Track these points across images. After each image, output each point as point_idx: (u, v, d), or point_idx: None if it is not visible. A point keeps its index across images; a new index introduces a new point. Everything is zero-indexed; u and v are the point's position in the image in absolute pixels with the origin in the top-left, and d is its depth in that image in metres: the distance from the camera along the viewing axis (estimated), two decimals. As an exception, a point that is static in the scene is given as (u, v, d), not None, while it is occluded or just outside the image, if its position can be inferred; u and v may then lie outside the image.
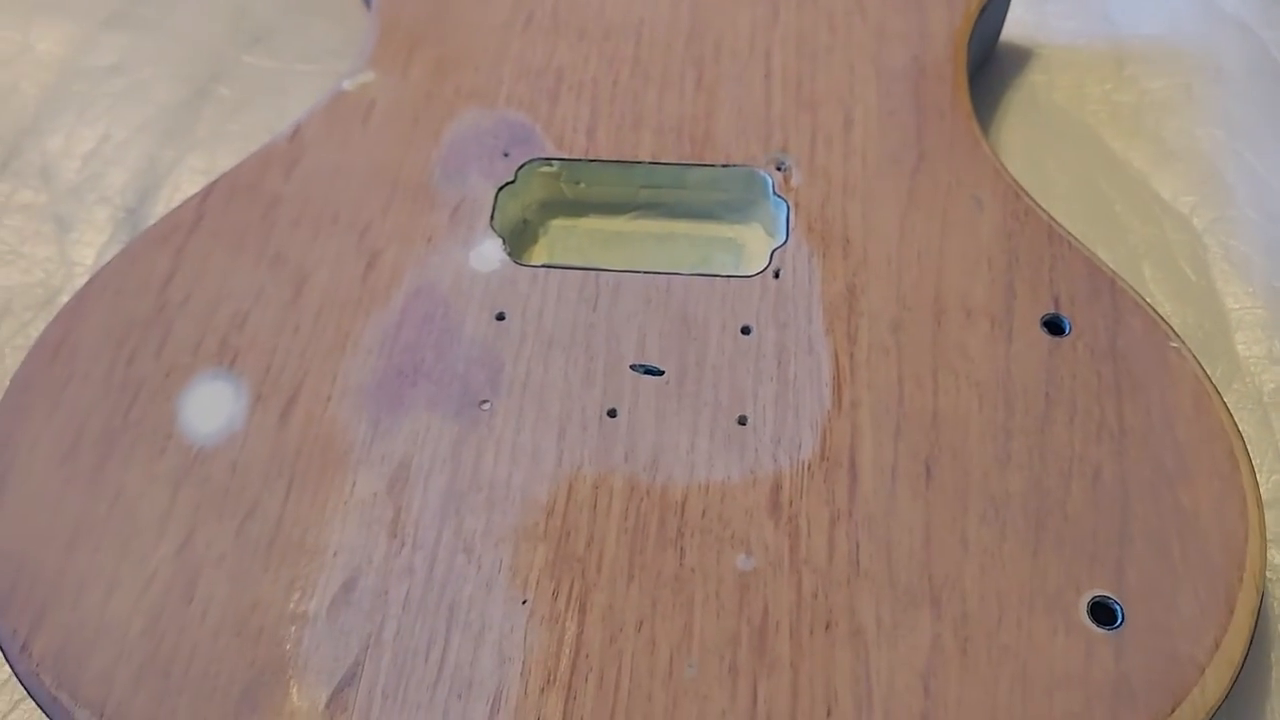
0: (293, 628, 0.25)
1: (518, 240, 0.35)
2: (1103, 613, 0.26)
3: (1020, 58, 0.44)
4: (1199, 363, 0.30)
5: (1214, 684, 0.25)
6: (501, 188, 0.34)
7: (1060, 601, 0.26)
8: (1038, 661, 0.25)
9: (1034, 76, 0.44)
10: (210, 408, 0.28)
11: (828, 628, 0.26)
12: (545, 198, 0.35)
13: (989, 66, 0.44)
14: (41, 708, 0.25)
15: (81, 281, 0.39)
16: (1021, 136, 0.42)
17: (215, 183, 0.33)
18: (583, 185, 0.35)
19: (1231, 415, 0.29)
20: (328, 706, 0.24)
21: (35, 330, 0.38)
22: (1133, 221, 0.39)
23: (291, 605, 0.26)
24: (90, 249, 0.40)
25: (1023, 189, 0.34)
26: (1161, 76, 0.43)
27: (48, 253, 0.40)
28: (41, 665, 0.25)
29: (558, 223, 0.36)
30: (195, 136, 0.43)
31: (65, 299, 0.39)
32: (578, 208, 0.36)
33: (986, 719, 0.25)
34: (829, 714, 0.25)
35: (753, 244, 0.35)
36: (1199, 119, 0.42)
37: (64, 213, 0.41)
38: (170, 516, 0.27)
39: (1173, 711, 0.25)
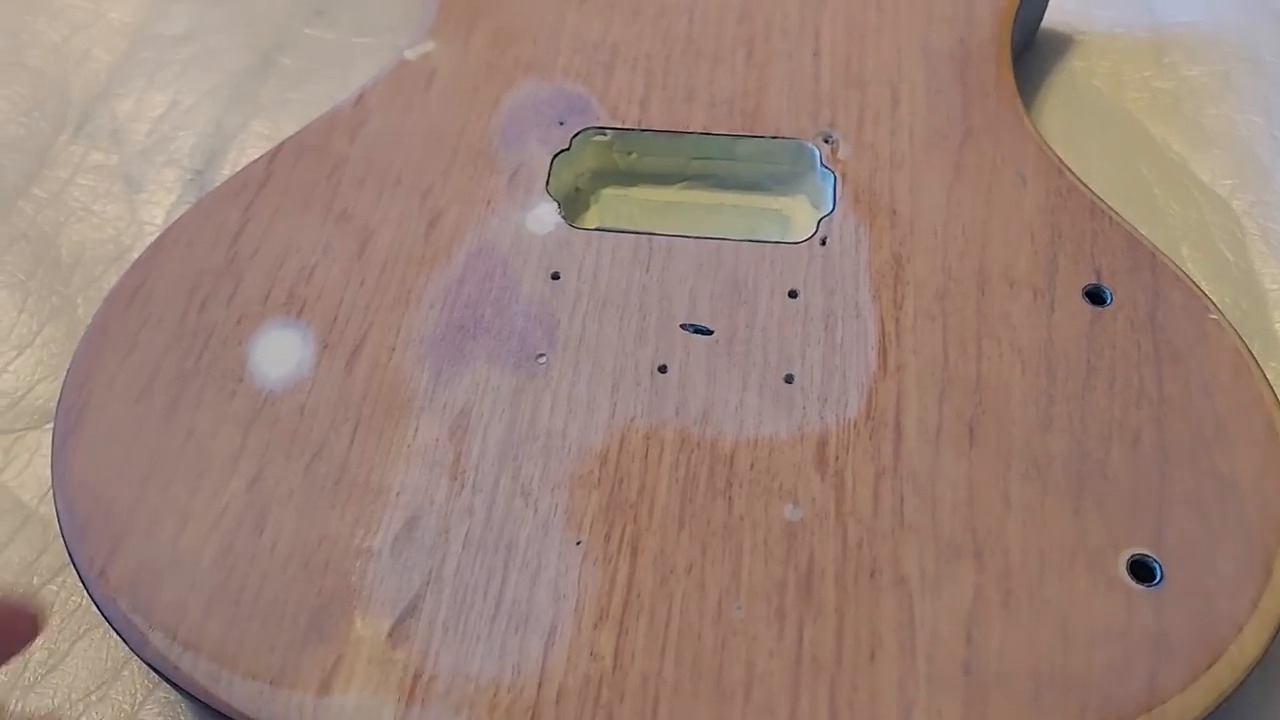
0: (358, 561, 0.26)
1: (571, 207, 0.36)
2: (1142, 570, 0.27)
3: (1061, 44, 0.45)
4: (1238, 334, 0.31)
5: (1252, 641, 0.26)
6: (557, 155, 0.35)
7: (1100, 558, 0.27)
8: (1078, 615, 0.26)
9: (1074, 63, 0.44)
10: (279, 354, 0.30)
11: (872, 575, 0.27)
12: (598, 166, 0.36)
13: (1030, 53, 0.44)
14: (118, 632, 0.26)
15: (150, 239, 0.40)
16: (1061, 121, 0.42)
17: (283, 144, 0.34)
18: (634, 155, 0.36)
19: (1271, 386, 0.30)
20: (390, 635, 0.25)
21: (106, 283, 0.39)
22: (1171, 204, 0.40)
23: (357, 540, 0.27)
24: (159, 208, 0.41)
25: (1066, 165, 0.35)
26: (1200, 64, 0.44)
27: (118, 211, 0.41)
28: (118, 591, 0.26)
29: (609, 191, 0.37)
30: (259, 103, 0.44)
31: (134, 255, 0.40)
32: (629, 177, 0.37)
33: (1028, 668, 0.25)
34: (873, 657, 0.25)
35: (799, 216, 0.36)
36: (1238, 106, 0.42)
37: (134, 173, 0.43)
38: (241, 455, 0.28)
39: (1210, 666, 0.25)
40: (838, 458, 0.28)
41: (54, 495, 0.27)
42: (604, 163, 0.37)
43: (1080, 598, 0.26)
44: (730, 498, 0.28)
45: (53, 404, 0.37)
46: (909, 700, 0.25)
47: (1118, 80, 0.44)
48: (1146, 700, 0.25)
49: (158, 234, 0.32)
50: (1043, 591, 0.26)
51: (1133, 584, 0.27)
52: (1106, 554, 0.27)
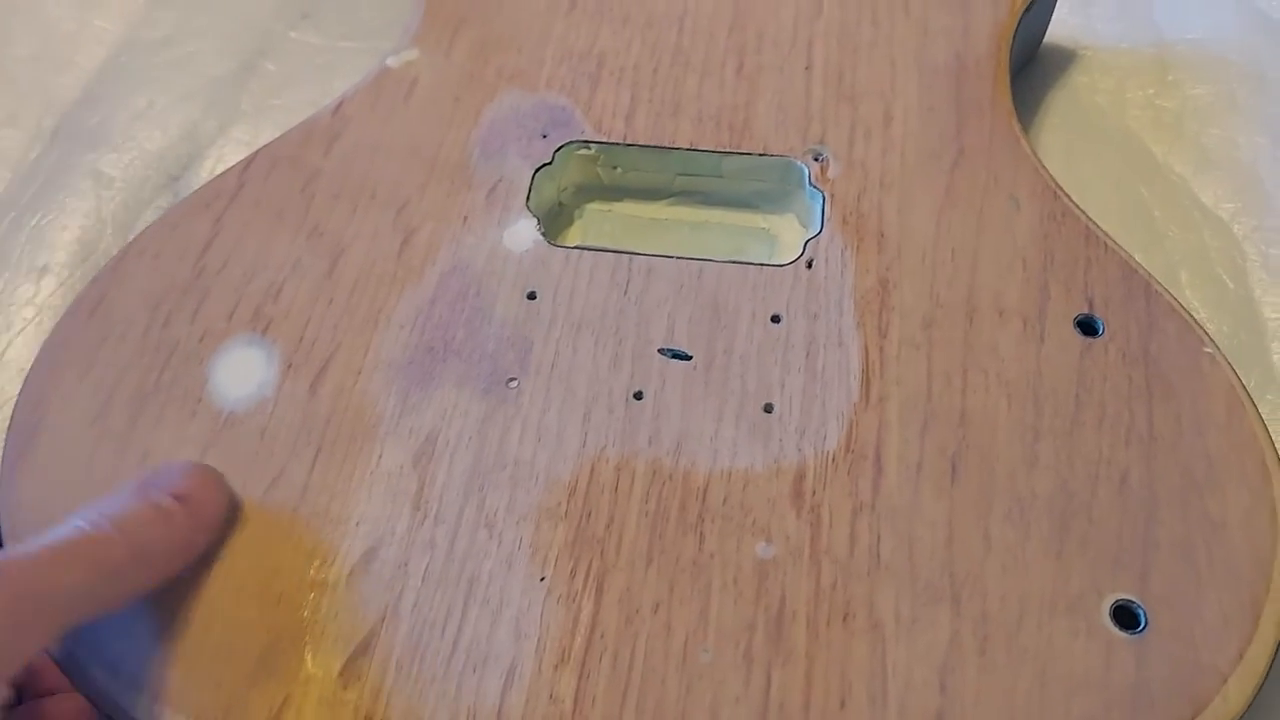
0: (311, 594, 0.26)
1: (553, 223, 0.35)
2: (1125, 616, 0.26)
3: (1063, 59, 0.44)
4: (1234, 370, 0.30)
5: (1236, 694, 0.25)
6: (539, 169, 0.34)
7: (1083, 604, 0.26)
8: (1057, 664, 0.25)
9: (1076, 78, 0.43)
10: (242, 374, 0.29)
11: (845, 619, 0.26)
12: (581, 181, 0.36)
13: (1031, 67, 0.43)
14: (61, 668, 0.25)
15: (120, 243, 0.40)
16: (1062, 138, 0.41)
17: (256, 154, 0.34)
18: (619, 170, 0.36)
19: (1265, 425, 0.29)
20: (341, 674, 0.25)
21: (72, 288, 0.38)
22: (1171, 227, 0.39)
23: (312, 572, 0.26)
24: (131, 213, 0.40)
25: (1061, 189, 0.34)
26: (1205, 83, 0.43)
27: (87, 211, 0.40)
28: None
29: (593, 207, 0.36)
30: (240, 109, 0.44)
31: (102, 260, 0.39)
32: (613, 192, 0.36)
33: (1004, 719, 0.25)
34: (843, 706, 0.25)
35: (787, 235, 0.35)
36: (1242, 127, 0.41)
37: (107, 177, 0.42)
38: (197, 479, 0.27)
39: (1192, 720, 0.25)
40: (814, 493, 0.28)
41: (0, 520, 0.27)
42: (588, 177, 0.36)
43: (1060, 646, 0.25)
44: (701, 533, 0.27)
45: None
46: (879, 752, 0.24)
47: (1120, 98, 0.42)
48: (1125, 756, 0.24)
49: (127, 238, 0.32)
50: (1021, 639, 0.26)
51: (1115, 631, 0.26)
52: (1089, 600, 0.26)
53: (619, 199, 0.36)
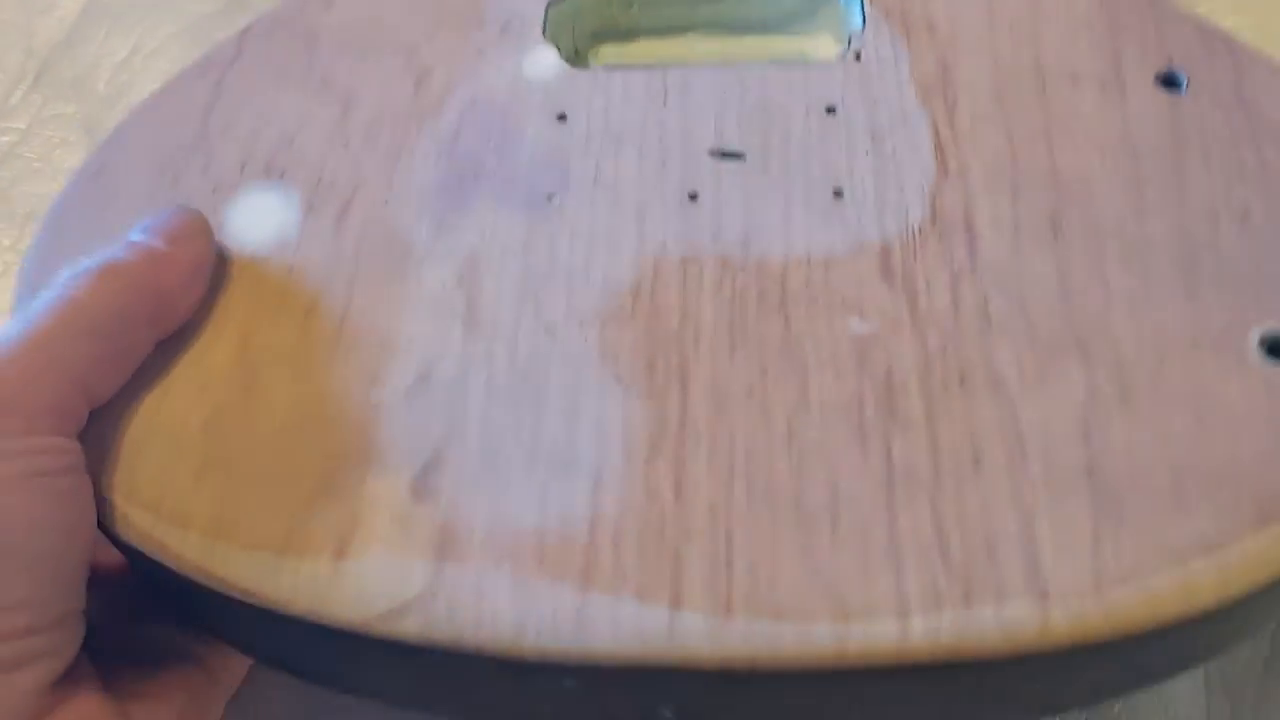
0: (368, 415, 0.23)
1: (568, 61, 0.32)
2: (1278, 350, 0.23)
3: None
4: (1341, 97, 0.27)
5: None
6: (551, 4, 0.31)
7: (1228, 340, 0.23)
8: (1212, 403, 0.22)
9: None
10: (260, 218, 0.26)
11: (962, 381, 0.23)
12: (596, 26, 0.33)
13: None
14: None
15: None
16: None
17: (252, 23, 0.31)
18: (635, 7, 0.33)
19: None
20: (412, 490, 0.22)
21: None
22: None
23: (364, 394, 0.23)
24: None
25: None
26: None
27: (75, 161, 0.38)
28: (91, 468, 0.22)
29: (608, 49, 0.33)
30: (223, 43, 0.42)
31: None
32: (628, 33, 0.33)
33: (1164, 465, 0.21)
34: (977, 466, 0.22)
35: (821, 52, 0.32)
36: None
37: (93, 123, 0.40)
38: (226, 319, 0.24)
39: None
40: (905, 265, 0.25)
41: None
42: (602, 20, 0.33)
43: (1212, 384, 0.23)
44: (787, 316, 0.24)
45: None
46: (1028, 509, 0.21)
47: None
48: (1310, 483, 0.21)
49: None
50: (1166, 382, 0.23)
51: (1271, 365, 0.23)
52: (1234, 334, 0.23)
53: (634, 38, 0.33)
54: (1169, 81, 0.28)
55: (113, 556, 0.24)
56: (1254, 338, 0.23)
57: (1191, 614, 0.20)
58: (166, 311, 0.24)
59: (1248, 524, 0.21)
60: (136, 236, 0.24)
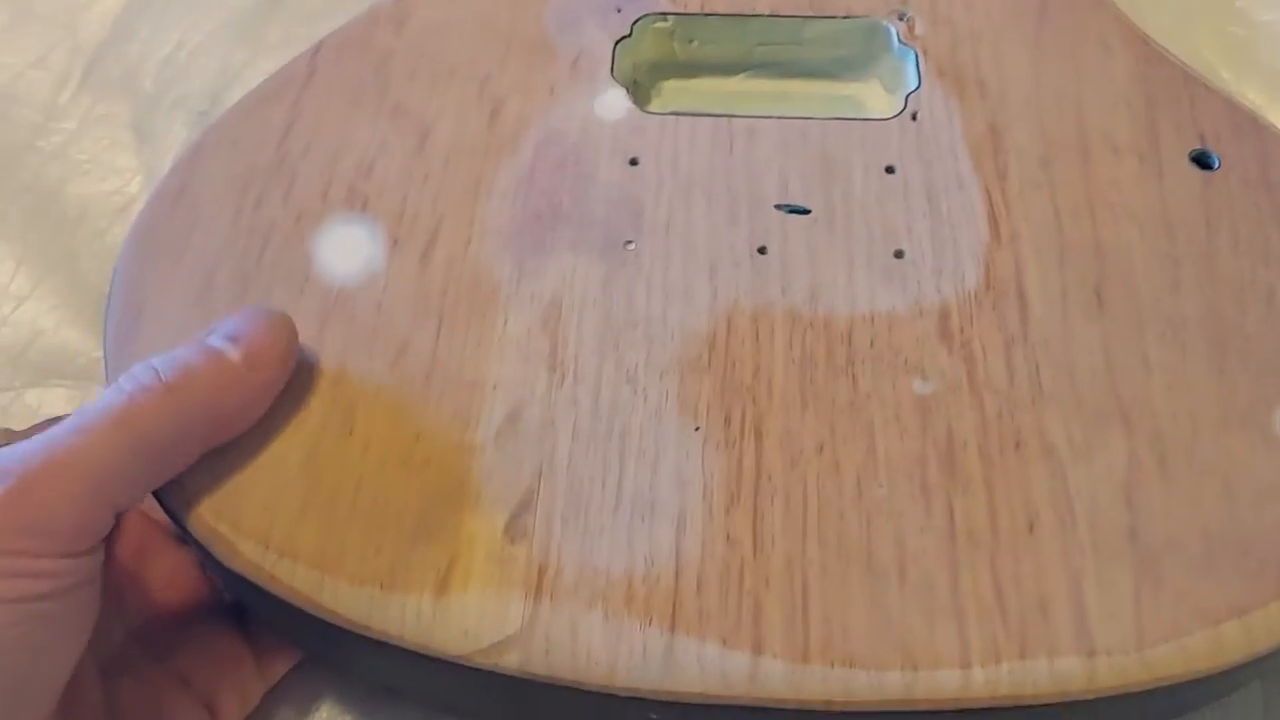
0: (460, 457, 0.24)
1: (634, 100, 0.33)
2: (1298, 429, 0.25)
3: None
4: (1361, 187, 0.29)
5: None
6: (619, 41, 0.32)
7: (1254, 416, 0.25)
8: (1241, 474, 0.24)
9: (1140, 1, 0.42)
10: (347, 250, 0.27)
11: (1018, 447, 0.25)
12: (656, 59, 0.34)
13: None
14: (199, 545, 0.23)
15: (149, 181, 0.37)
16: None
17: (322, 41, 0.32)
18: (695, 44, 0.34)
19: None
20: (506, 531, 0.23)
21: (112, 237, 0.37)
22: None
23: (457, 435, 0.24)
24: (167, 155, 0.38)
25: (1149, 36, 0.33)
26: (1275, 10, 0.42)
27: (125, 161, 0.39)
28: (196, 499, 0.23)
29: (670, 84, 0.34)
30: (267, 41, 0.42)
31: (141, 206, 0.37)
32: (690, 69, 0.34)
33: (1197, 531, 0.23)
34: (1031, 529, 0.23)
35: (872, 101, 0.34)
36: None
37: (141, 122, 0.40)
38: (319, 353, 0.25)
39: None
40: (963, 330, 0.26)
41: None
42: (663, 54, 0.34)
43: (1239, 457, 0.25)
44: (854, 375, 0.26)
45: (52, 359, 0.34)
46: (1076, 570, 0.23)
47: (1187, 24, 0.41)
48: (1327, 557, 0.23)
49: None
50: (1200, 453, 0.25)
51: (1292, 442, 0.25)
52: (1260, 411, 0.25)
53: (695, 75, 0.35)
54: (1202, 160, 0.30)
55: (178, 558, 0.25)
56: (1277, 416, 0.25)
57: (1222, 668, 0.23)
58: (221, 433, 0.23)
59: (1272, 590, 0.23)
60: (218, 342, 0.23)
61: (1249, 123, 0.31)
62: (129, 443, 0.21)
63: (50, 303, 0.35)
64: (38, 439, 0.21)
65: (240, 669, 0.26)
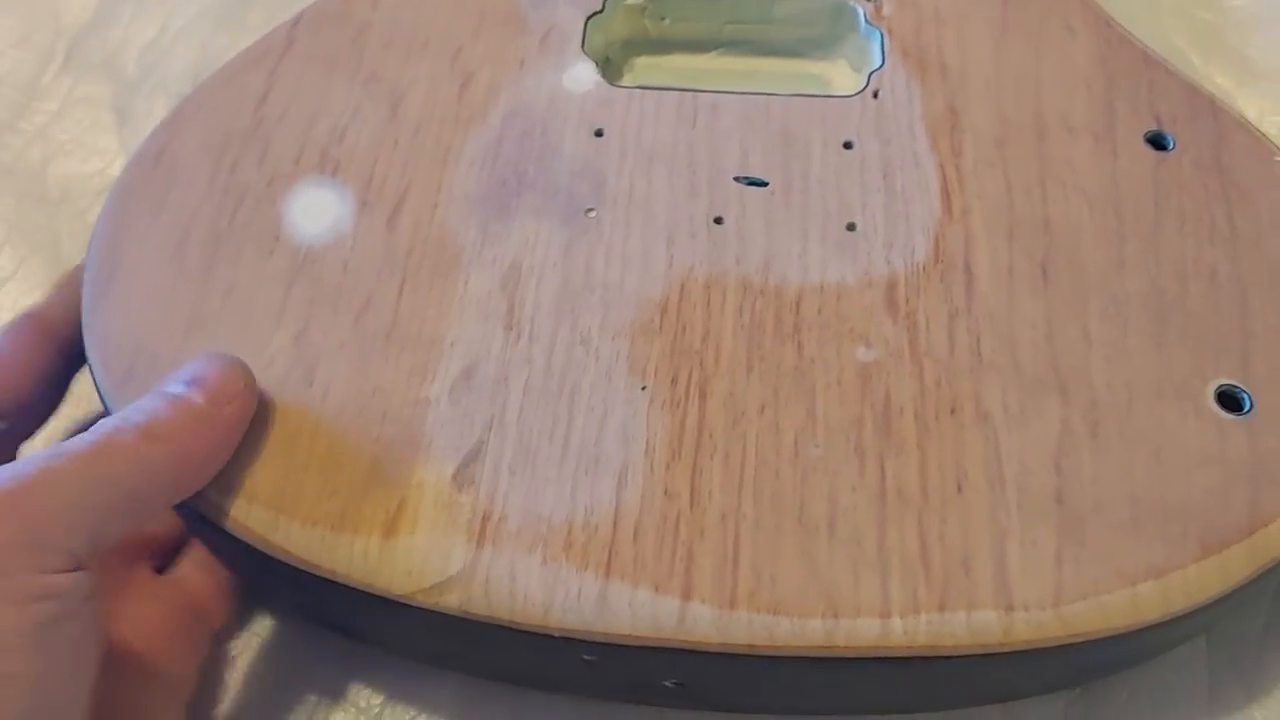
0: (415, 410, 0.25)
1: (604, 75, 0.34)
2: (1230, 401, 0.26)
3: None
4: (1308, 171, 0.30)
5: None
6: (590, 16, 0.33)
7: (1188, 389, 0.26)
8: (1172, 443, 0.25)
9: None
10: (316, 212, 0.28)
11: (953, 412, 0.25)
12: (629, 35, 0.35)
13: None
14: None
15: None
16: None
17: (301, 13, 0.33)
18: (667, 21, 0.35)
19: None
20: (455, 479, 0.24)
21: (93, 218, 0.36)
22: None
23: (413, 390, 0.25)
24: (139, 135, 0.39)
25: (1113, 19, 0.33)
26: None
27: (106, 143, 0.40)
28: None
29: (642, 60, 0.35)
30: (248, 25, 0.42)
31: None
32: (661, 46, 0.35)
33: (1124, 496, 0.24)
34: (960, 490, 0.24)
35: (839, 79, 0.35)
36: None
37: (122, 103, 0.41)
38: (284, 310, 0.26)
39: (1313, 492, 0.24)
40: (908, 300, 0.27)
41: (89, 356, 0.26)
42: (635, 30, 0.35)
43: (1172, 427, 0.25)
44: (799, 341, 0.26)
45: None
46: (1002, 530, 0.24)
47: (1155, 8, 0.41)
48: (1248, 524, 0.24)
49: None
50: (1132, 423, 0.25)
51: (1223, 414, 0.26)
52: (1194, 385, 0.26)
53: (667, 52, 0.35)
54: (1157, 143, 0.30)
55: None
56: (1211, 390, 0.26)
57: (1137, 627, 0.23)
58: (194, 476, 0.23)
59: (1191, 554, 0.24)
60: (179, 389, 0.23)
61: (1206, 107, 0.31)
62: (105, 473, 0.22)
63: (32, 284, 0.36)
64: (15, 462, 0.21)
65: (181, 616, 0.26)
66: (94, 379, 0.26)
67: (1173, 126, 0.31)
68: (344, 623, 0.26)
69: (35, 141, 0.40)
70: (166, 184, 0.29)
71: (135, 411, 0.23)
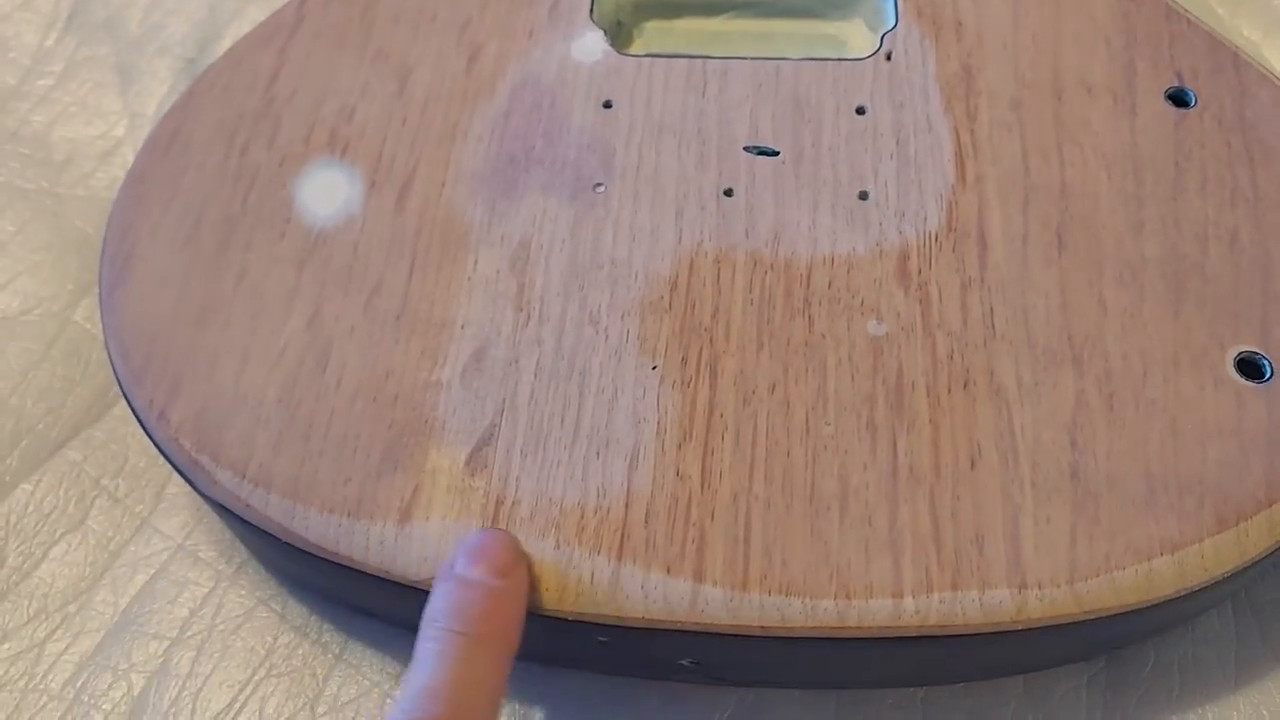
0: (427, 393, 0.25)
1: (613, 42, 0.34)
2: (1250, 368, 0.26)
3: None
4: (1337, 125, 0.29)
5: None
6: (599, -17, 0.33)
7: (1206, 358, 0.26)
8: (1188, 414, 0.25)
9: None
10: (326, 193, 0.28)
11: (966, 386, 0.25)
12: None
13: None
14: (182, 474, 0.25)
15: (144, 133, 0.38)
16: None
17: (309, -13, 0.33)
18: (678, -16, 0.34)
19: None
20: (468, 463, 0.24)
21: (96, 181, 0.37)
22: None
23: (425, 373, 0.25)
24: (151, 99, 0.39)
25: (1136, -29, 0.32)
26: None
27: (110, 104, 0.39)
28: (180, 431, 0.25)
29: (653, 24, 0.35)
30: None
31: (126, 150, 0.38)
32: (672, 9, 0.35)
33: (1139, 470, 0.24)
34: (973, 466, 0.24)
35: (855, 40, 0.34)
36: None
37: (126, 65, 0.40)
38: (296, 293, 0.27)
39: (1329, 460, 0.24)
40: (920, 271, 0.27)
41: (106, 345, 0.26)
42: (646, -6, 0.35)
43: (1188, 398, 0.25)
44: (810, 316, 0.26)
45: (31, 302, 0.35)
46: (1015, 507, 0.24)
47: None
48: (1266, 496, 0.24)
49: (149, 127, 0.30)
50: (1148, 394, 0.25)
51: (1242, 381, 0.25)
52: (1212, 353, 0.26)
53: (679, 15, 0.35)
54: (1178, 99, 0.30)
55: None
56: (1230, 358, 0.26)
57: (1152, 603, 0.23)
58: (512, 647, 0.23)
59: (1208, 527, 0.24)
60: (473, 574, 0.23)
61: (1229, 60, 0.30)
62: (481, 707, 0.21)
63: (34, 245, 0.36)
64: None
65: None
66: (112, 368, 0.26)
67: (1194, 82, 0.30)
68: (367, 606, 0.27)
69: (40, 106, 0.39)
70: (179, 168, 0.29)
71: (448, 617, 0.22)
